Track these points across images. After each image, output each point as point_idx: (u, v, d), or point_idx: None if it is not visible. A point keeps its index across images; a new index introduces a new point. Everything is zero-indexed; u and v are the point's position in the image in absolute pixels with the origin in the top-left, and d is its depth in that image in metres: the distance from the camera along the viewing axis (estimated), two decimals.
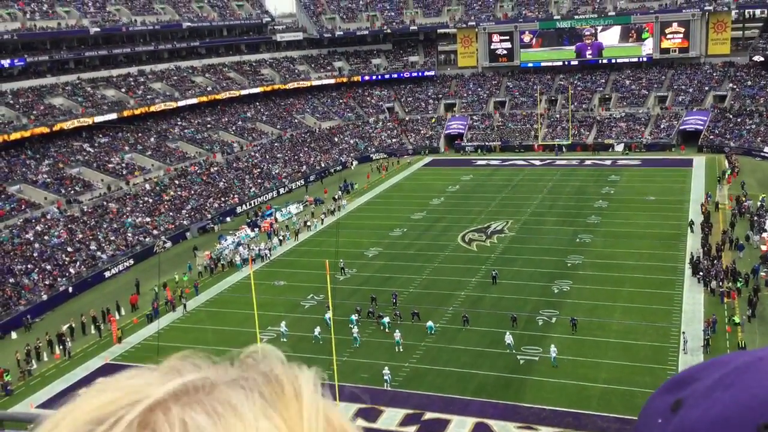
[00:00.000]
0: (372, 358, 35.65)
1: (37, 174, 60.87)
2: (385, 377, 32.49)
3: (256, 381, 0.79)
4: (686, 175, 66.52)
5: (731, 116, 78.33)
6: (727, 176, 63.40)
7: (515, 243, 51.26)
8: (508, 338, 35.03)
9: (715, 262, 43.00)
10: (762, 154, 70.64)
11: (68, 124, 65.99)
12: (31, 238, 51.85)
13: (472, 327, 37.84)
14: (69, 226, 54.67)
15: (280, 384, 0.79)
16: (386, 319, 38.67)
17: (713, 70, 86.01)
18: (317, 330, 37.63)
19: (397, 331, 37.16)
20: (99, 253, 52.48)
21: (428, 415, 30.35)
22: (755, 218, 50.83)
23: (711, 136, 76.58)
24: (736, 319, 36.19)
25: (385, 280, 45.77)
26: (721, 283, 40.20)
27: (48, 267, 49.17)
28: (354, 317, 39.19)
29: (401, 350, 35.99)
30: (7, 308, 44.01)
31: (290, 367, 0.84)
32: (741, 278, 40.76)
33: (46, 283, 47.38)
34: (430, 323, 37.81)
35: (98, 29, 75.89)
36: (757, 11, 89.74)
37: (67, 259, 50.73)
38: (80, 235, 53.95)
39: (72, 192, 59.84)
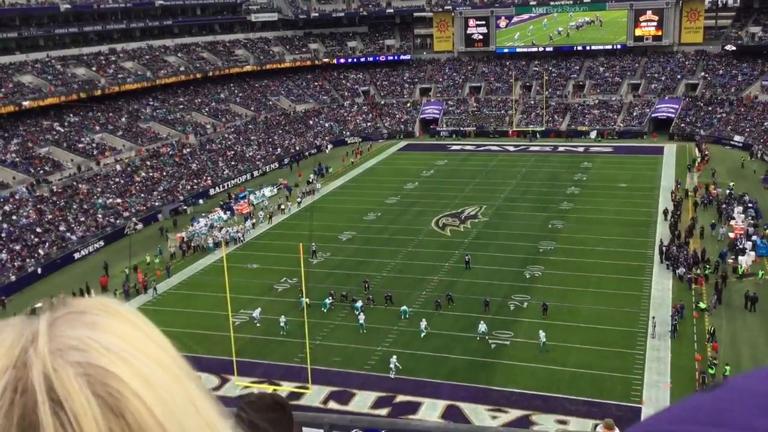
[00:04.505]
0: (345, 341, 35.76)
1: (5, 153, 59.76)
2: (392, 366, 32.12)
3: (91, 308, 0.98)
4: (657, 162, 67.30)
5: (702, 105, 79.27)
6: (697, 164, 64.24)
7: (488, 228, 51.56)
8: (482, 326, 35.16)
9: (684, 248, 43.67)
10: (732, 142, 71.63)
11: (37, 103, 64.78)
12: (0, 219, 51.02)
13: (444, 311, 38.09)
14: (38, 206, 53.87)
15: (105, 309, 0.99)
16: (359, 303, 38.74)
17: (686, 59, 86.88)
18: (282, 319, 37.33)
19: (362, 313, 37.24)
20: (69, 234, 51.81)
21: (400, 398, 30.56)
22: (723, 206, 51.63)
23: (682, 124, 77.47)
24: (702, 305, 36.86)
25: (358, 264, 45.82)
26: (689, 270, 40.86)
27: (17, 247, 48.46)
28: (328, 301, 39.27)
29: (364, 332, 36.20)
30: None
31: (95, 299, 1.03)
32: (709, 265, 41.48)
33: (15, 264, 46.72)
34: (404, 307, 37.97)
35: (69, 6, 74.41)
36: (730, 0, 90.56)
37: (36, 239, 50.02)
38: (50, 216, 53.19)
39: (41, 172, 58.89)
